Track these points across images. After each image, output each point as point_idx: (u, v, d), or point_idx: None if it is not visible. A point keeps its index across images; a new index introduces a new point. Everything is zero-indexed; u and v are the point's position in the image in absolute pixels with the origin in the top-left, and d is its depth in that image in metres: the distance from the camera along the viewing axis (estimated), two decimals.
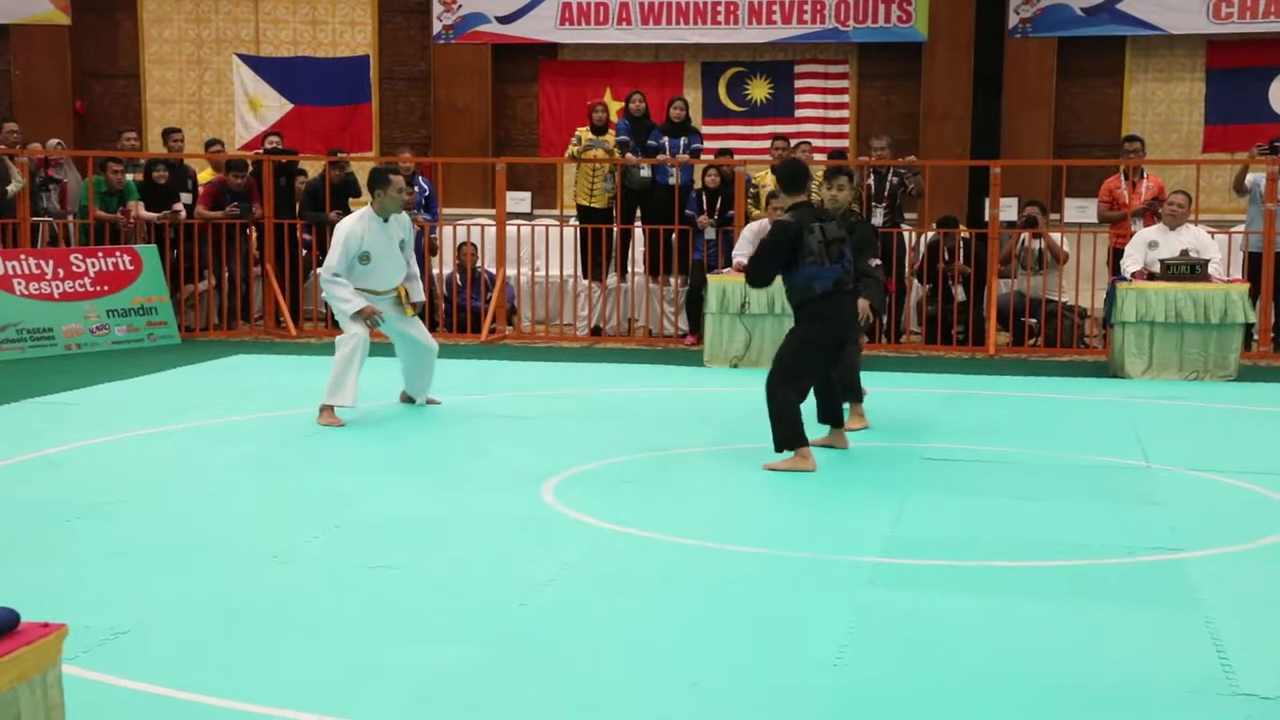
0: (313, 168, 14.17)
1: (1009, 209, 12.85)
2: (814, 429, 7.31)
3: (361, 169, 13.81)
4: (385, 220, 8.55)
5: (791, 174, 7.35)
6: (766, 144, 13.76)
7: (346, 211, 12.31)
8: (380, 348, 8.91)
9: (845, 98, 15.64)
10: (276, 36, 16.66)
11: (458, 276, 12.94)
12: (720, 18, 15.45)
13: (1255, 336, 11.65)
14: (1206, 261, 10.49)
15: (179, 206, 12.83)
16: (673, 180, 12.69)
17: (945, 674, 4.10)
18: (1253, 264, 11.76)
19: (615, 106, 14.47)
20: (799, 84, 15.66)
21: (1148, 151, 13.29)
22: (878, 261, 8.29)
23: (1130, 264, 10.70)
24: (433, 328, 9.52)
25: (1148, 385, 10.05)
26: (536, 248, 13.36)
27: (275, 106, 16.40)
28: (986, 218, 12.23)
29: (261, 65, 16.48)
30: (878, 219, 12.29)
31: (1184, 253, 10.55)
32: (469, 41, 16.00)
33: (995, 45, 13.92)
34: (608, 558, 5.46)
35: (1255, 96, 14.72)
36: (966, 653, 4.29)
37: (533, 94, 16.27)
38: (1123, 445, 7.73)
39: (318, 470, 7.05)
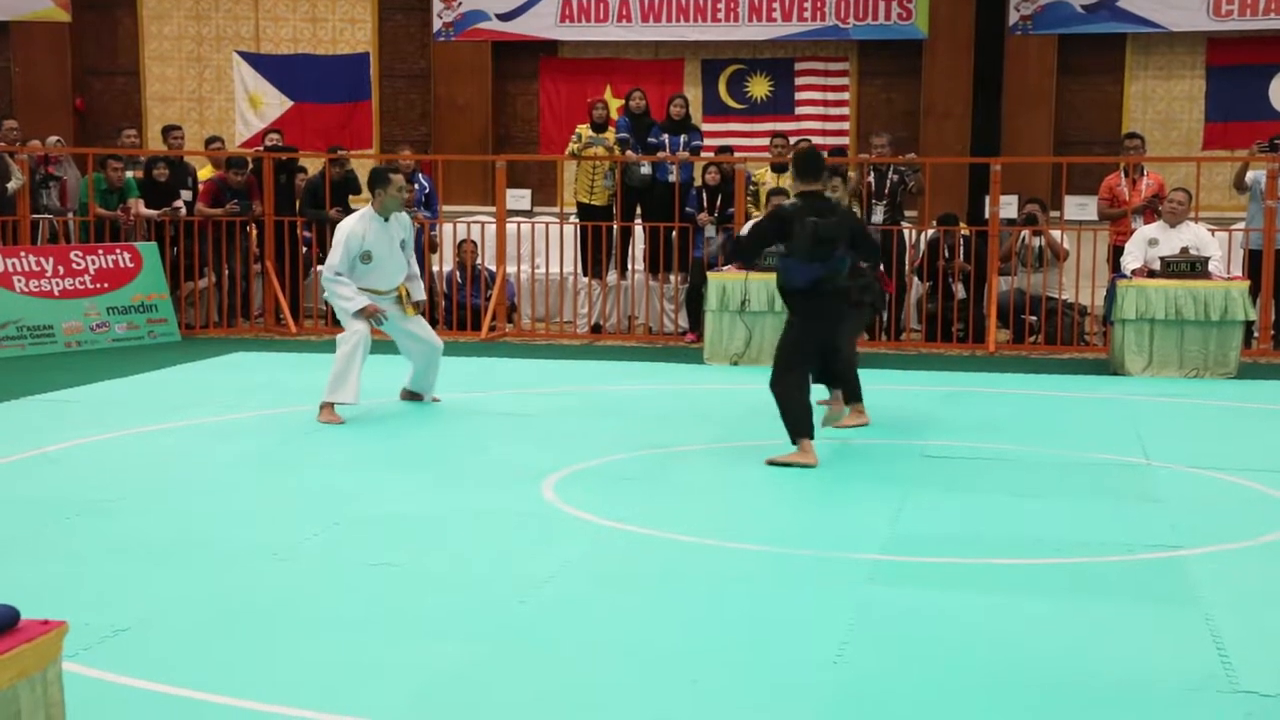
0: (313, 165, 14.17)
1: (1009, 206, 12.84)
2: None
3: (362, 166, 13.82)
4: (386, 220, 8.55)
5: (803, 161, 7.30)
6: (766, 141, 13.76)
7: (346, 209, 12.32)
8: (381, 345, 8.90)
9: (845, 95, 15.63)
10: (277, 34, 16.66)
11: (458, 274, 12.94)
12: (720, 15, 15.44)
13: (1255, 334, 11.66)
14: (1207, 259, 10.49)
15: (179, 204, 12.84)
16: (673, 178, 12.68)
17: (946, 671, 4.10)
18: (1253, 261, 11.76)
19: (615, 104, 14.46)
20: (799, 81, 15.65)
21: (1148, 149, 13.29)
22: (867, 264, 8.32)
23: (1130, 261, 10.70)
24: (433, 325, 9.51)
25: (1148, 383, 10.05)
26: (536, 245, 13.36)
27: (275, 104, 16.40)
28: (987, 215, 12.23)
29: (262, 62, 16.47)
30: (878, 216, 12.29)
31: (1184, 250, 10.55)
32: (469, 39, 15.99)
33: (995, 43, 13.91)
34: (608, 555, 5.46)
35: (1255, 94, 14.71)
36: (967, 650, 4.29)
37: (533, 91, 16.26)
38: (1123, 442, 7.73)
39: (318, 468, 7.05)
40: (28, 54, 16.68)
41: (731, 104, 15.79)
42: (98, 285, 11.87)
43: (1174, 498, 6.44)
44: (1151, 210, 11.68)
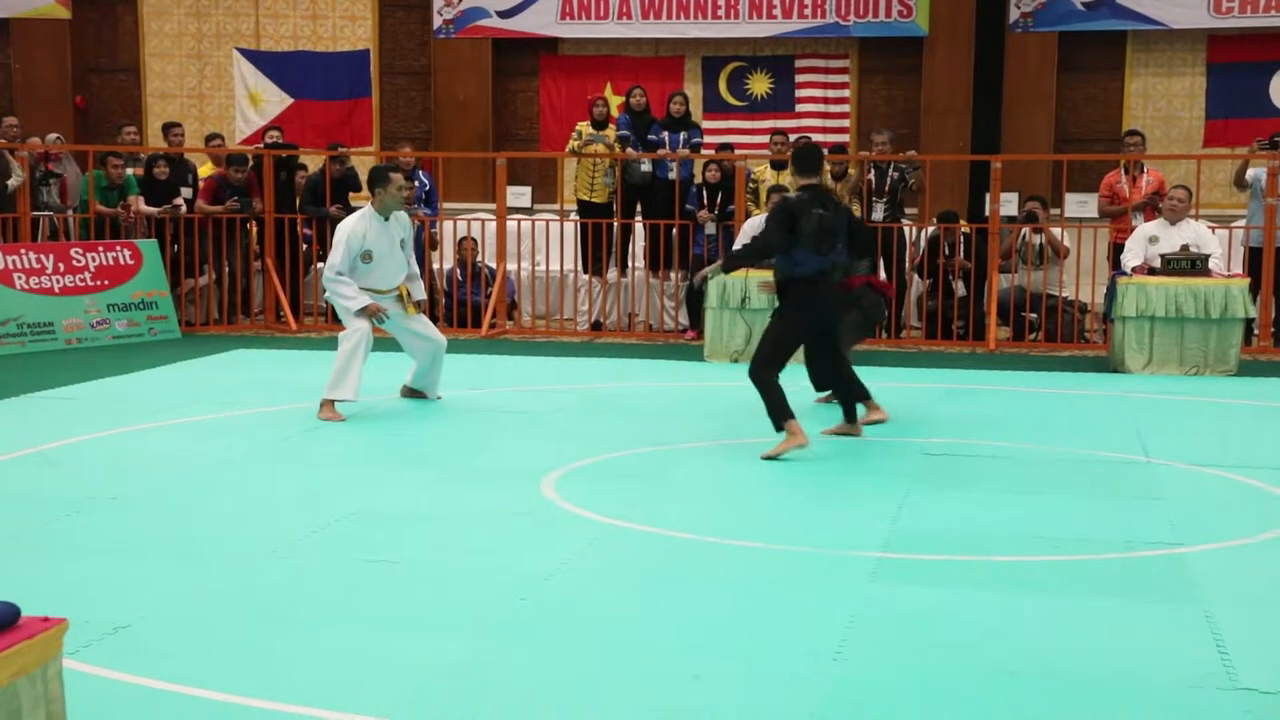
0: (313, 162, 14.16)
1: (1009, 204, 12.84)
2: (831, 416, 7.30)
3: (362, 164, 13.82)
4: (386, 219, 8.55)
5: (801, 156, 7.53)
6: (767, 139, 13.75)
7: (347, 206, 12.33)
8: (383, 343, 8.91)
9: (846, 92, 15.63)
10: (277, 31, 16.65)
11: (458, 271, 12.93)
12: (721, 12, 15.44)
13: (1255, 331, 11.66)
14: (1207, 256, 10.48)
15: (179, 201, 12.83)
16: (673, 175, 12.68)
17: (946, 668, 4.11)
18: (1253, 259, 11.76)
19: (616, 101, 14.46)
20: (799, 79, 15.65)
21: (1148, 146, 13.29)
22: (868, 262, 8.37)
23: (1131, 259, 10.70)
24: (433, 322, 9.51)
25: (1148, 380, 10.05)
26: (537, 242, 13.36)
27: (275, 101, 16.39)
28: (987, 213, 12.22)
29: (262, 60, 16.47)
30: (879, 214, 12.28)
31: (1184, 248, 10.54)
32: (469, 36, 15.99)
33: (996, 40, 13.91)
34: (608, 552, 5.46)
35: (1256, 91, 14.71)
36: (967, 647, 4.29)
37: (533, 89, 16.26)
38: (1123, 440, 7.73)
39: (318, 465, 7.05)
40: (28, 51, 16.68)
41: (732, 101, 15.78)
42: (98, 282, 11.87)
43: (1174, 495, 6.44)
44: (1152, 207, 11.67)
